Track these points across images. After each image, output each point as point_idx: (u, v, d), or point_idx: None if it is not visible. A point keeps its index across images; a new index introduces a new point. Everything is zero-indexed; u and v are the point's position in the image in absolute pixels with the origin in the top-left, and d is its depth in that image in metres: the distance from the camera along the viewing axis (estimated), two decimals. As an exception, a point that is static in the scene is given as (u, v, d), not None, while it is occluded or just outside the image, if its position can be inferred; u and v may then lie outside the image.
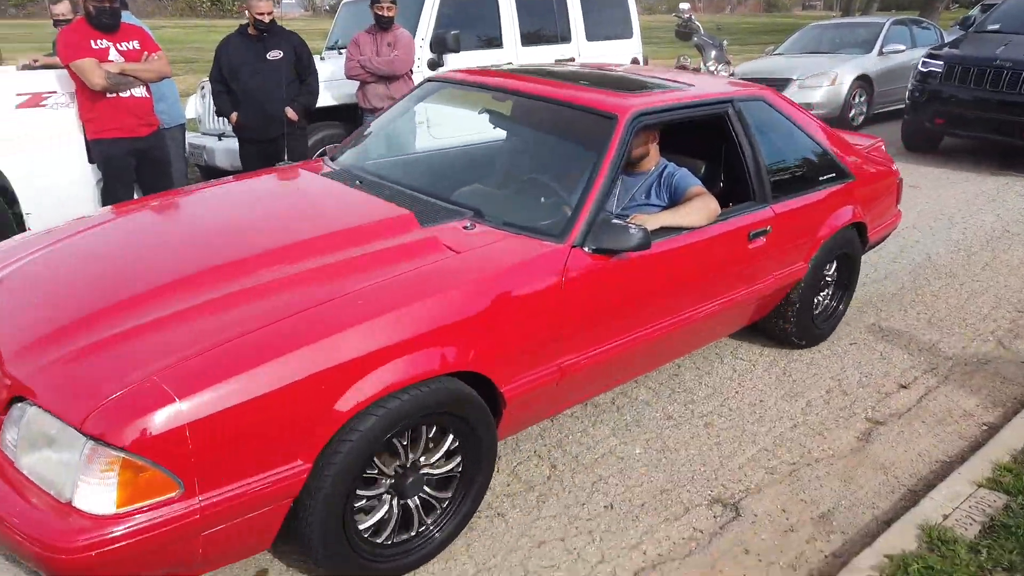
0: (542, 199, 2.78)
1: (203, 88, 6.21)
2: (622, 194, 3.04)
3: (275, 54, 4.80)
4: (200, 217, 2.77)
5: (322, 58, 6.39)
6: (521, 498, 2.61)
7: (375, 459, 2.07)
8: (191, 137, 5.85)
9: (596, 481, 2.71)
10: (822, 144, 3.51)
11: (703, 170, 3.26)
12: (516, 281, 2.27)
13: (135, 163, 4.29)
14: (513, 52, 6.76)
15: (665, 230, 2.73)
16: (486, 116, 3.37)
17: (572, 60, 7.07)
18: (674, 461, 2.84)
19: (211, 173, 5.83)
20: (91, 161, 4.38)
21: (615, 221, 2.44)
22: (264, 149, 4.89)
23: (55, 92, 4.23)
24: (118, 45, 4.11)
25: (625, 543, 2.41)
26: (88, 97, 4.09)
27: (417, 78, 5.58)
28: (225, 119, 5.11)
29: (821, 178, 3.44)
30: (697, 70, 8.29)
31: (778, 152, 3.30)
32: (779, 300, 3.45)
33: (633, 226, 2.40)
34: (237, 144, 5.16)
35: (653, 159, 3.09)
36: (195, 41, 20.34)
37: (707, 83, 3.38)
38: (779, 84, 8.85)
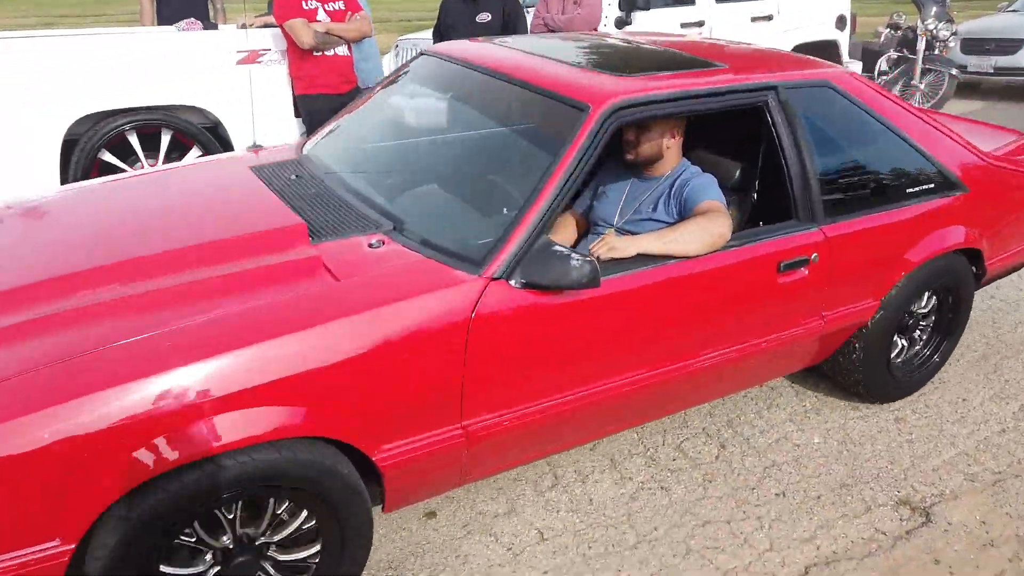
0: (480, 213, 2.24)
1: (397, 47, 6.45)
2: (627, 203, 2.45)
3: (484, 16, 4.85)
4: (74, 221, 2.34)
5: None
6: (686, 475, 2.54)
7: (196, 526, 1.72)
8: None
9: (768, 467, 2.58)
10: (916, 145, 2.65)
11: (737, 176, 2.58)
12: (405, 320, 1.79)
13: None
14: (706, 9, 6.44)
15: (650, 258, 2.14)
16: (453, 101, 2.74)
17: (708, 27, 6.53)
18: (857, 455, 2.64)
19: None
20: (297, 115, 4.64)
21: (556, 248, 1.91)
22: None
23: (269, 50, 4.54)
24: (325, 6, 4.35)
25: (797, 534, 2.29)
26: (297, 55, 4.35)
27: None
28: None
29: (912, 190, 2.64)
30: (913, 29, 7.48)
31: (843, 156, 2.56)
32: (837, 345, 2.73)
33: (578, 257, 1.87)
34: None
35: (671, 161, 2.44)
36: (390, 1, 21.19)
37: (753, 61, 2.62)
38: (1009, 47, 7.82)
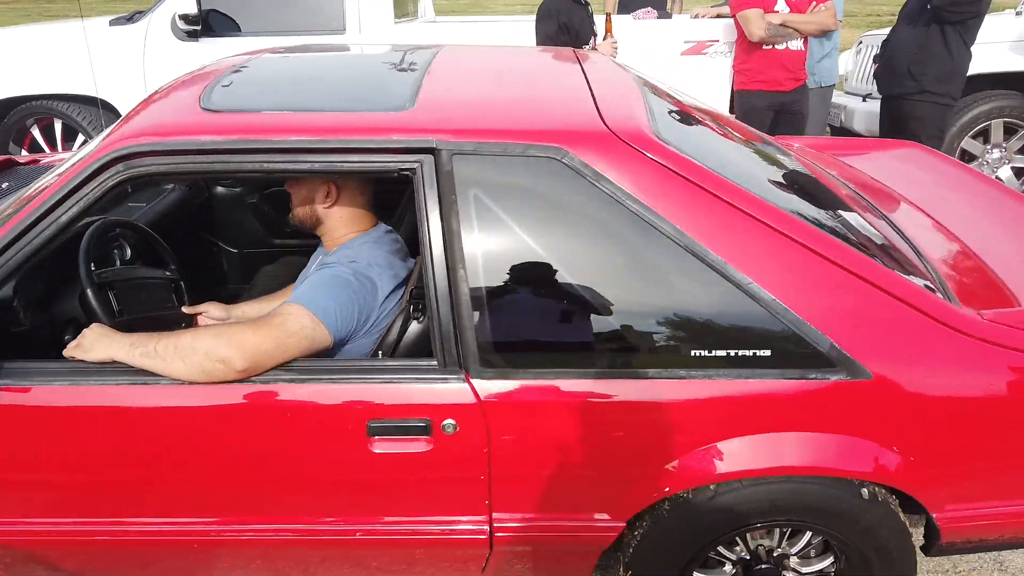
0: None
1: (860, 44, 5.36)
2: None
3: None
4: None
5: (1018, 13, 5.21)
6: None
7: None
8: (834, 95, 5.22)
9: None
10: (721, 267, 1.47)
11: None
12: None
13: (772, 116, 4.11)
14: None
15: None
16: None
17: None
18: None
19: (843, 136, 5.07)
20: (730, 111, 4.26)
21: None
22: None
23: (717, 41, 4.34)
24: None
25: None
26: (744, 48, 4.04)
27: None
28: (874, 79, 4.32)
29: (709, 353, 1.49)
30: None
31: (543, 268, 1.51)
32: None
33: None
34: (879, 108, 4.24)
35: (337, 232, 1.77)
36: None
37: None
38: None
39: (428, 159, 1.50)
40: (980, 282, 1.76)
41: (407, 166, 1.50)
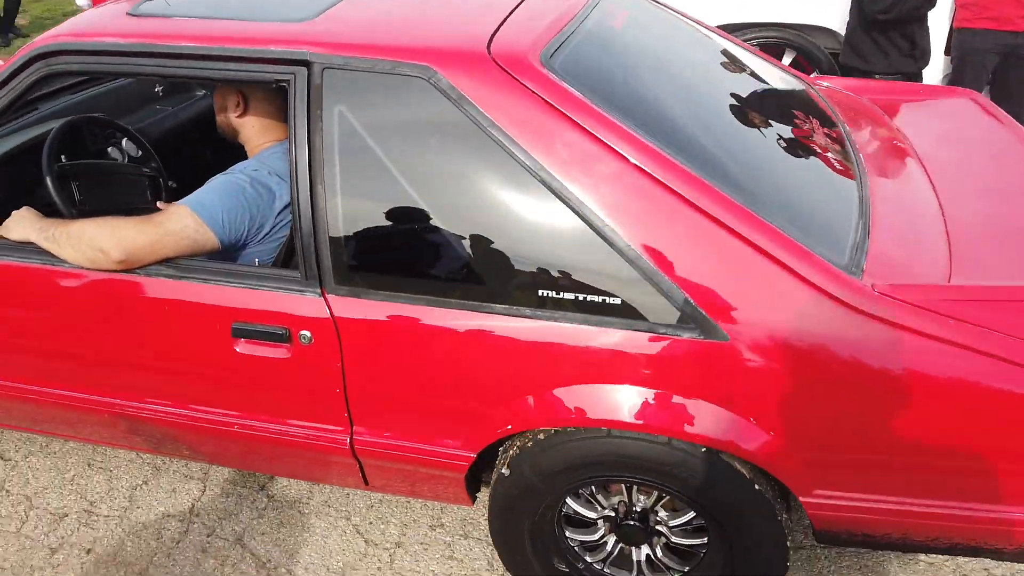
0: None
1: None
2: None
3: None
4: None
5: None
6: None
7: None
8: None
9: None
10: (579, 203, 1.39)
11: None
12: None
13: (998, 61, 3.52)
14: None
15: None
16: None
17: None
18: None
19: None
20: (946, 53, 3.75)
21: None
22: None
23: None
24: None
25: None
26: None
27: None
28: None
29: (558, 295, 1.43)
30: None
31: (402, 193, 1.48)
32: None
33: None
34: None
35: (253, 142, 1.84)
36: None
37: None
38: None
39: (302, 71, 1.50)
40: (917, 251, 1.54)
41: (282, 77, 1.52)
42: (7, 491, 2.19)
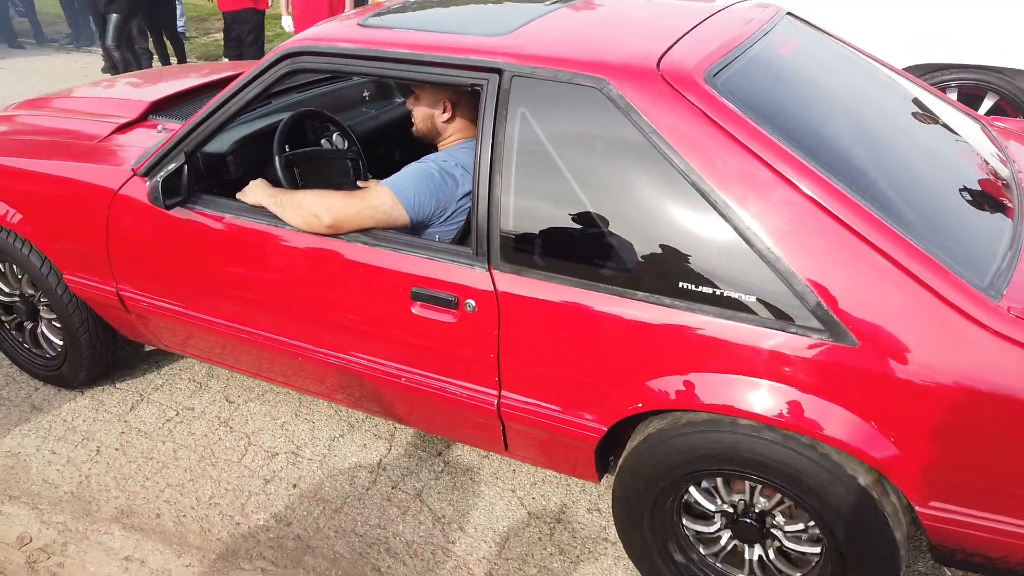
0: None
1: None
2: None
3: None
4: None
5: None
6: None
7: None
8: None
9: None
10: (738, 221, 1.52)
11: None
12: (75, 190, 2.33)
13: None
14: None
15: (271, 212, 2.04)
16: None
17: None
18: None
19: None
20: None
21: (168, 164, 2.13)
22: None
23: None
24: None
25: None
26: None
27: None
28: None
29: (696, 288, 1.57)
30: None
31: (567, 189, 1.69)
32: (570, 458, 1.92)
33: (161, 176, 2.10)
34: None
35: (452, 136, 2.13)
36: None
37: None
38: None
39: (494, 77, 1.75)
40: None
41: (477, 82, 1.77)
42: (230, 427, 2.58)
